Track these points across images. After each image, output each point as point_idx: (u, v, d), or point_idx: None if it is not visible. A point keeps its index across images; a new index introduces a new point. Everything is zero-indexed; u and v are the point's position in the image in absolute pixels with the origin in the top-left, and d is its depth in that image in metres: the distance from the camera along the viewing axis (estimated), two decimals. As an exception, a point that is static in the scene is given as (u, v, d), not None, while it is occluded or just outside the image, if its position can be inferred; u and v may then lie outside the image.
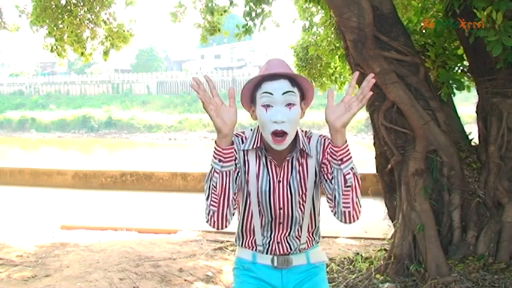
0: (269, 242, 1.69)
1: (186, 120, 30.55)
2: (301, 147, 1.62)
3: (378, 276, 3.42)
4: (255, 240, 1.70)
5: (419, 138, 3.29)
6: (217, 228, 1.56)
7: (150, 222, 6.28)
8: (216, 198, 1.51)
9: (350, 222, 1.53)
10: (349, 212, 1.50)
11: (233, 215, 1.58)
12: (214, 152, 1.48)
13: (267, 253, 1.69)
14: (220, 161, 1.47)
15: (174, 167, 10.48)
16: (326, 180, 1.55)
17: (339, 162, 1.46)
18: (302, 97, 1.59)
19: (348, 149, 1.46)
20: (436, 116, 3.31)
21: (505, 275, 3.08)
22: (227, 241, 4.95)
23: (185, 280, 3.80)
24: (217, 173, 1.48)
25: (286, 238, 1.68)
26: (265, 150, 1.63)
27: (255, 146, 1.62)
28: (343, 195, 1.48)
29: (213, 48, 46.86)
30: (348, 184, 1.47)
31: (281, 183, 1.62)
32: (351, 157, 1.47)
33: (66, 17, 6.25)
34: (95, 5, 6.44)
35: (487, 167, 3.34)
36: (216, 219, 1.53)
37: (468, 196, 3.33)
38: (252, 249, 1.71)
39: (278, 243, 1.68)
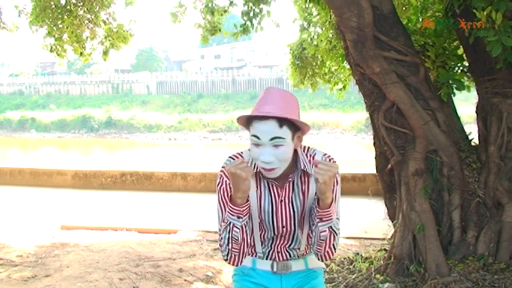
0: (269, 252, 1.71)
1: (186, 120, 30.56)
2: (303, 167, 1.60)
3: (377, 276, 3.42)
4: (255, 249, 1.72)
5: (419, 138, 3.29)
6: (238, 265, 1.65)
7: (150, 222, 6.27)
8: (238, 245, 1.58)
9: (321, 260, 1.64)
10: (320, 255, 1.61)
11: None
12: (232, 211, 1.53)
13: (266, 259, 1.72)
14: (239, 217, 1.53)
15: (174, 167, 10.48)
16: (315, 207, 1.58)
17: (318, 220, 1.54)
18: (296, 129, 1.53)
19: (329, 212, 1.53)
20: (436, 116, 3.30)
21: (505, 275, 3.08)
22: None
23: (185, 280, 3.80)
24: (237, 227, 1.54)
25: (286, 248, 1.71)
26: None
27: (254, 171, 1.59)
28: (317, 243, 1.58)
29: (213, 48, 46.86)
30: (322, 239, 1.56)
31: (283, 203, 1.63)
32: (330, 218, 1.54)
33: (65, 17, 6.24)
34: (95, 5, 6.43)
35: (487, 167, 3.34)
36: (238, 259, 1.61)
37: (468, 196, 3.32)
38: (252, 256, 1.74)
39: (278, 252, 1.71)
